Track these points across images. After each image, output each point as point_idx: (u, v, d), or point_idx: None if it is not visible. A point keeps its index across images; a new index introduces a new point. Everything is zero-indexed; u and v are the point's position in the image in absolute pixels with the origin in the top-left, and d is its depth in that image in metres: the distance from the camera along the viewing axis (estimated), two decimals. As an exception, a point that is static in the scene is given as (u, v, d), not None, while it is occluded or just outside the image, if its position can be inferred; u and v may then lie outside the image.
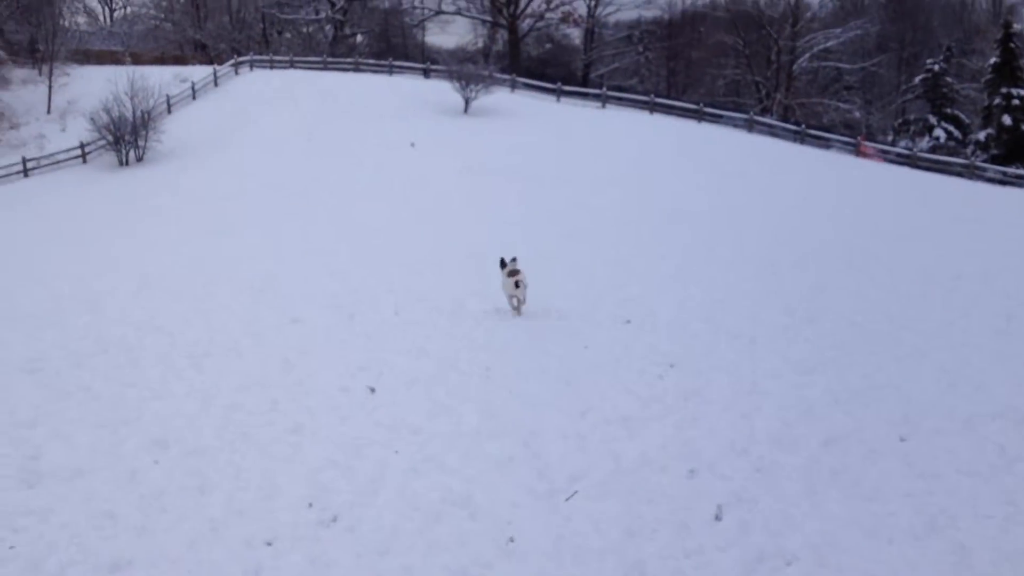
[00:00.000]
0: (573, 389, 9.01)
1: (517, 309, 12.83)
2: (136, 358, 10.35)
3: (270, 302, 13.76)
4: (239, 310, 13.18)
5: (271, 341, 11.17)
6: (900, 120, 56.72)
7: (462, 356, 10.30)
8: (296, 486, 6.74)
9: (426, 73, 55.19)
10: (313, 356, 10.39)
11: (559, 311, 12.87)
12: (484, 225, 23.06)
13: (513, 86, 52.07)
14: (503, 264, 13.01)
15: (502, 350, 10.57)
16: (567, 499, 6.52)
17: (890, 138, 53.45)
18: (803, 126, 45.51)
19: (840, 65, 63.46)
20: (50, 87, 47.68)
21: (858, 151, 42.02)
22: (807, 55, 61.46)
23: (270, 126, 41.95)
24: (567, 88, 51.77)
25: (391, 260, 18.14)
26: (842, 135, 47.02)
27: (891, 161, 41.26)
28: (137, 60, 57.72)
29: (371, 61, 59.97)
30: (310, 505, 6.46)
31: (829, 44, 61.20)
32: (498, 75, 51.29)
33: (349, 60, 59.27)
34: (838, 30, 60.94)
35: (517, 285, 12.65)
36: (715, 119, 47.09)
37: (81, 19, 70.57)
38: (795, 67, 62.10)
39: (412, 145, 8.25)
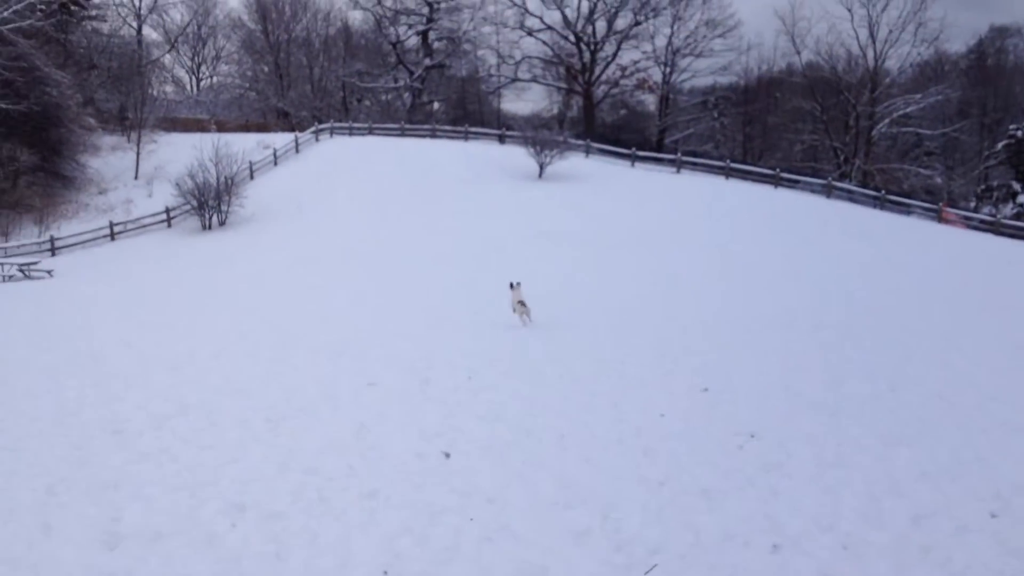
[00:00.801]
0: (650, 458, 8.84)
1: (522, 319, 17.47)
2: (215, 420, 10.43)
3: (346, 365, 13.84)
4: (316, 373, 13.26)
5: (347, 405, 11.19)
6: (983, 186, 55.80)
7: (537, 423, 10.19)
8: (371, 553, 6.67)
9: (501, 139, 55.95)
10: (388, 420, 10.37)
11: (634, 377, 12.72)
12: (558, 290, 23.04)
13: (588, 151, 52.49)
14: (511, 286, 17.92)
15: (577, 417, 10.44)
16: (646, 573, 6.34)
17: (972, 204, 52.56)
18: (883, 192, 44.98)
19: (920, 131, 62.79)
20: (138, 154, 49.33)
21: (940, 217, 41.29)
22: (886, 120, 60.87)
23: (348, 191, 42.73)
24: (642, 153, 52.04)
25: (464, 324, 18.19)
26: (923, 201, 46.31)
27: (974, 228, 40.47)
28: (222, 127, 59.59)
29: (448, 127, 61.07)
30: (385, 573, 6.37)
31: (909, 109, 60.58)
32: (573, 141, 51.81)
33: (426, 127, 60.41)
34: (918, 95, 60.33)
35: (522, 304, 17.52)
36: (792, 184, 46.86)
37: (169, 88, 73.48)
38: (874, 132, 61.54)
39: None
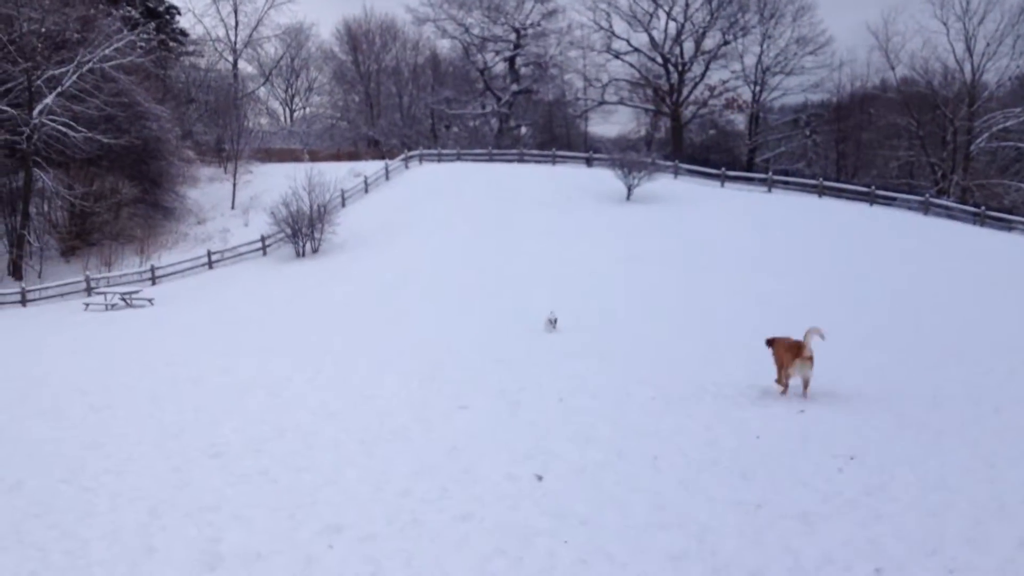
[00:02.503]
0: (746, 481, 8.68)
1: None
2: (311, 443, 10.59)
3: (438, 389, 13.93)
4: (408, 397, 13.38)
5: (439, 428, 11.25)
6: (1089, 200, 53.76)
7: (629, 444, 10.10)
8: (466, 574, 6.67)
9: (589, 162, 56.01)
10: (480, 443, 10.39)
11: (727, 399, 12.54)
12: (647, 313, 22.90)
13: (676, 172, 52.21)
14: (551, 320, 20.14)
15: (670, 438, 10.32)
16: (744, 597, 6.23)
17: (1078, 219, 50.68)
18: (983, 208, 43.65)
19: (1021, 145, 60.82)
20: (234, 184, 50.61)
21: (1044, 233, 39.93)
22: (985, 135, 59.15)
23: (438, 217, 43.14)
24: (731, 173, 51.55)
25: (554, 347, 18.16)
26: (1026, 216, 44.86)
27: (1081, 243, 38.96)
28: (314, 157, 60.90)
29: (535, 151, 61.41)
30: (479, 595, 6.38)
31: (1009, 123, 58.77)
32: (661, 162, 51.60)
33: (514, 151, 60.82)
34: (1018, 109, 58.47)
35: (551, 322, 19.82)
36: (888, 202, 45.90)
37: (264, 120, 75.43)
38: (972, 147, 59.85)
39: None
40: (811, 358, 12.30)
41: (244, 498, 8.56)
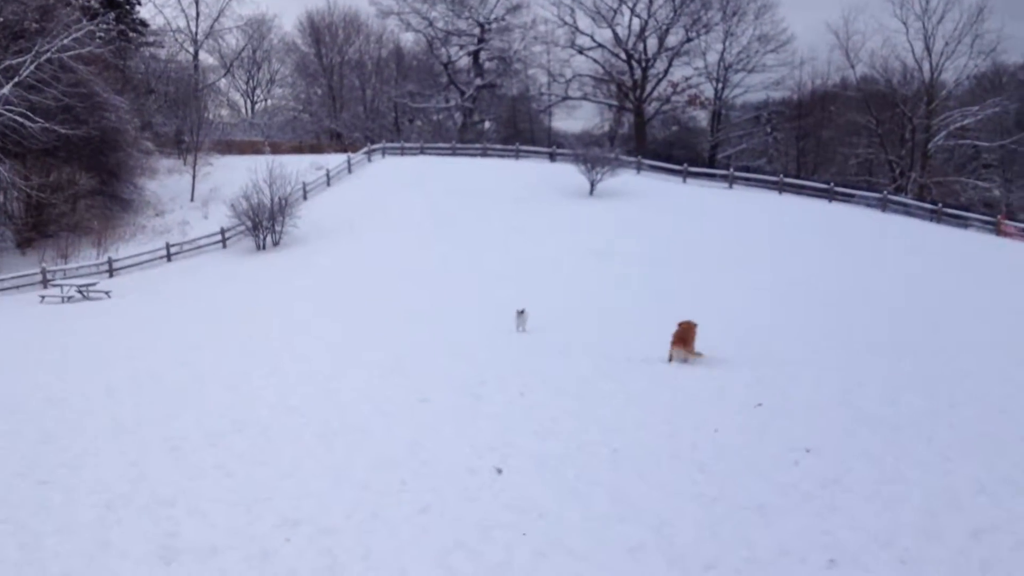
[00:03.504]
0: (704, 474, 8.75)
1: (521, 330, 19.14)
2: (269, 437, 10.53)
3: (399, 382, 13.90)
4: (369, 390, 13.33)
5: (400, 421, 11.23)
6: (1043, 198, 54.72)
7: (590, 437, 10.15)
8: (425, 568, 6.67)
9: (552, 157, 56.09)
10: (441, 437, 10.39)
11: (688, 392, 12.62)
12: (609, 308, 23.00)
13: (639, 168, 52.43)
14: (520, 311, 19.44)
15: (631, 432, 10.37)
16: (700, 589, 6.29)
17: (1033, 216, 51.54)
18: (939, 205, 44.30)
19: (978, 143, 61.79)
20: (194, 176, 50.16)
21: (998, 230, 40.57)
22: (943, 133, 59.97)
23: (400, 210, 43.03)
24: (693, 169, 51.91)
25: (517, 341, 18.19)
26: (981, 214, 45.59)
27: (1034, 240, 39.65)
28: (276, 149, 60.46)
29: (498, 146, 61.42)
30: (438, 588, 6.38)
31: (966, 122, 59.65)
32: (624, 157, 51.80)
33: (477, 146, 60.78)
34: (975, 108, 59.37)
35: (520, 315, 19.37)
36: (847, 198, 46.43)
37: (224, 112, 74.84)
38: (930, 145, 60.67)
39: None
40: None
41: (201, 492, 8.49)
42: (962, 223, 42.46)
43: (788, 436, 10.04)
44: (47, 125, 38.62)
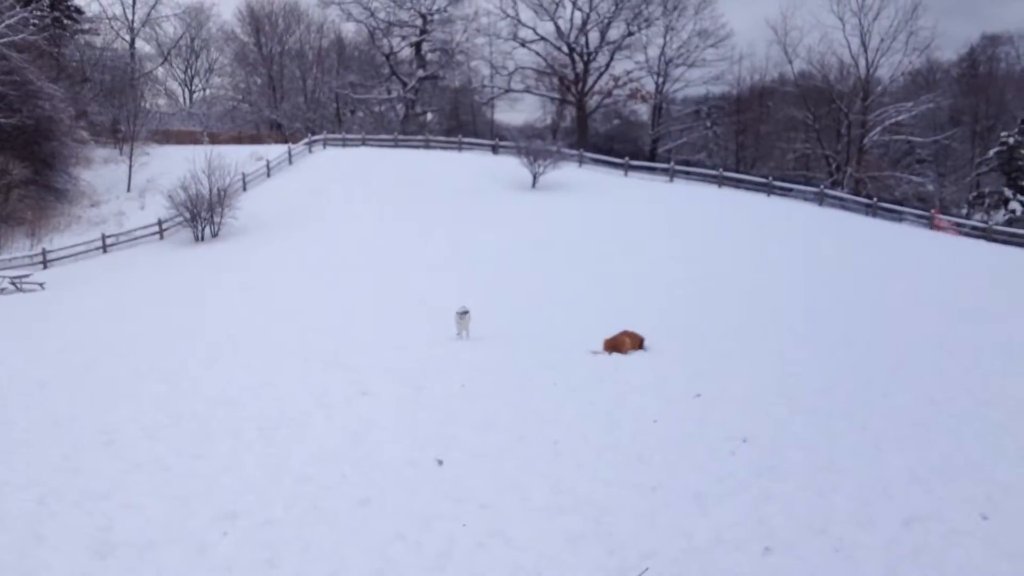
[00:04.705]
0: (643, 464, 8.86)
1: (461, 335, 17.51)
2: (208, 431, 10.43)
3: (339, 375, 13.83)
4: (309, 383, 13.26)
5: (340, 414, 11.20)
6: (975, 193, 56.12)
7: (530, 429, 10.20)
8: (364, 559, 6.67)
9: (495, 149, 56.05)
10: (381, 429, 10.38)
11: (628, 384, 12.73)
12: (550, 300, 23.08)
13: (581, 161, 52.60)
14: (461, 312, 17.61)
15: (571, 424, 10.45)
16: (638, 577, 6.36)
17: (964, 211, 52.78)
18: (875, 199, 45.09)
19: (912, 138, 62.95)
20: (131, 166, 49.27)
21: (932, 224, 41.42)
22: (878, 128, 60.98)
23: (342, 202, 42.72)
24: (635, 163, 52.13)
25: (453, 334, 18.19)
26: (915, 208, 46.50)
27: (966, 234, 40.55)
28: (215, 140, 59.57)
29: (441, 138, 61.16)
30: (377, 579, 6.39)
31: (901, 118, 60.71)
32: (566, 150, 51.89)
33: (420, 137, 60.47)
34: (910, 104, 60.44)
35: (462, 317, 17.50)
36: (785, 192, 46.99)
37: (162, 101, 73.43)
38: (866, 140, 61.67)
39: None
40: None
41: (137, 486, 8.40)
42: (897, 217, 43.23)
43: (725, 426, 10.19)
44: (-22, 113, 37.74)
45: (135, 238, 40.62)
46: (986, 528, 7.10)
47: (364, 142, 58.62)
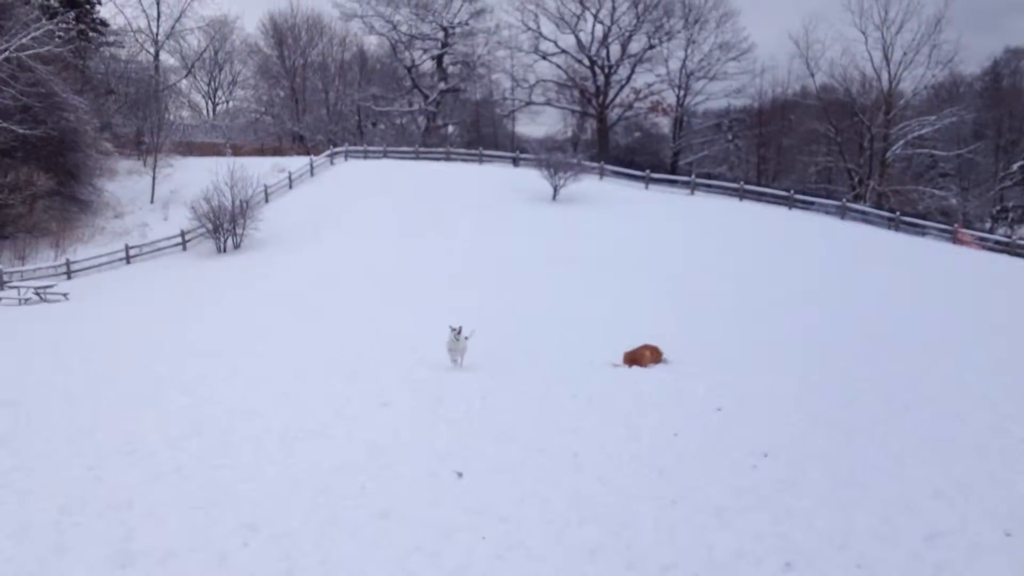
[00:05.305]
0: (664, 477, 8.82)
1: (456, 362, 15.95)
2: (228, 441, 10.46)
3: (360, 386, 13.86)
4: (330, 394, 13.29)
5: (361, 425, 11.21)
6: (998, 207, 55.76)
7: (550, 441, 10.19)
8: (383, 572, 6.66)
9: (515, 162, 56.13)
10: (401, 440, 10.38)
11: (648, 397, 12.70)
12: (572, 312, 23.06)
13: (601, 174, 52.58)
14: (456, 330, 15.89)
15: (591, 436, 10.43)
16: (658, 591, 6.33)
17: (988, 225, 52.43)
18: (897, 213, 44.85)
19: (935, 152, 62.63)
20: (154, 178, 49.60)
21: (955, 239, 41.15)
22: (901, 142, 60.71)
23: (363, 214, 42.84)
24: (655, 175, 52.07)
25: (479, 347, 18.18)
26: (938, 222, 46.21)
27: (989, 249, 40.27)
28: (237, 151, 59.95)
29: (462, 150, 61.31)
30: (396, 591, 6.38)
31: (923, 131, 60.42)
32: (587, 163, 51.86)
33: (441, 150, 60.60)
34: (933, 117, 60.12)
35: (457, 339, 15.81)
36: (806, 206, 46.81)
37: (185, 113, 73.97)
38: (889, 154, 61.39)
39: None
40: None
41: (158, 496, 8.42)
42: (919, 231, 43.01)
43: (746, 440, 10.14)
44: (5, 125, 38.10)
45: (158, 249, 40.86)
46: (1010, 544, 7.03)
47: (385, 154, 58.87)
